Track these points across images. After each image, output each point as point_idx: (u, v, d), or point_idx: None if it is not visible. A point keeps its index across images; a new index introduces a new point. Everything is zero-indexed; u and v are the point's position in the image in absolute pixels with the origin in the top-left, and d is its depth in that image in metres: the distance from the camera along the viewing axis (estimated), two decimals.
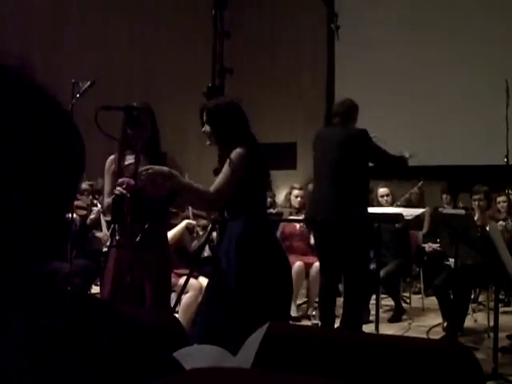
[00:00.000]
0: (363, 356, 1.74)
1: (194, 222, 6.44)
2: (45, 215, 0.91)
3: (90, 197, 7.00)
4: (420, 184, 7.99)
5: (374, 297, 5.55)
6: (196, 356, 1.26)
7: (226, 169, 3.49)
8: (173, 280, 5.82)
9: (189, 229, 6.36)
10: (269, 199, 7.87)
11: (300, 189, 7.63)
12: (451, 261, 5.69)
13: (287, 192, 7.90)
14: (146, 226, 3.64)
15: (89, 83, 5.46)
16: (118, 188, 3.87)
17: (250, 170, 3.50)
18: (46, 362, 0.84)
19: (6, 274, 0.88)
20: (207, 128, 3.62)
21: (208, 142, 3.65)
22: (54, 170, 0.91)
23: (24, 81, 0.92)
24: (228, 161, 3.49)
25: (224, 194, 3.49)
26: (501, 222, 6.45)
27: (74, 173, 0.96)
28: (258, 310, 3.40)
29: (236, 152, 3.49)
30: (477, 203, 6.76)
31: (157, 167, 3.48)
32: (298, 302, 7.01)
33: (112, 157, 4.16)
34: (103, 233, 6.72)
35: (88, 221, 6.58)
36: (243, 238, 3.51)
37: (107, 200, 4.13)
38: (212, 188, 3.49)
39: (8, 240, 0.87)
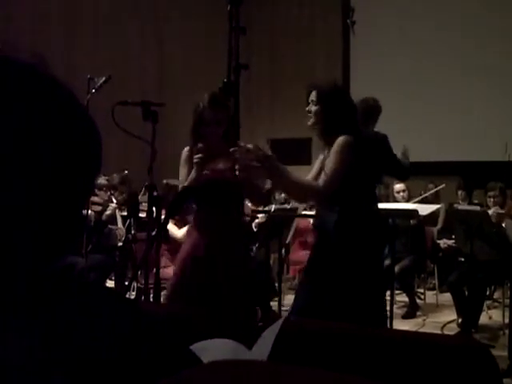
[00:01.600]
0: (378, 351, 1.74)
1: None
2: (60, 211, 0.91)
3: (108, 192, 7.02)
4: (441, 187, 7.94)
5: (388, 293, 5.54)
6: (212, 349, 1.28)
7: (332, 160, 3.37)
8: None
9: None
10: (283, 195, 7.87)
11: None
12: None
13: None
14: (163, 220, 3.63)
15: (104, 79, 5.47)
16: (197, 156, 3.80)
17: (356, 160, 3.40)
18: (59, 356, 0.85)
19: (20, 270, 0.88)
20: (313, 108, 3.54)
21: (310, 122, 3.56)
22: (70, 166, 0.91)
23: (42, 77, 0.93)
24: (334, 150, 3.38)
25: (334, 186, 3.36)
26: None
27: (91, 169, 0.96)
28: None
29: (342, 140, 3.38)
30: (492, 200, 6.73)
31: (254, 148, 3.22)
32: None
33: (187, 148, 4.07)
34: (119, 227, 6.76)
35: (104, 217, 6.61)
36: (339, 228, 3.45)
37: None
38: (321, 181, 3.38)
39: (22, 236, 0.87)
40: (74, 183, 0.92)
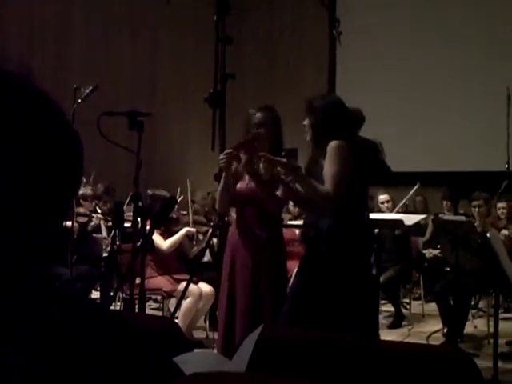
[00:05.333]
0: (362, 361, 1.74)
1: (193, 230, 6.44)
2: (42, 222, 0.91)
3: (93, 203, 6.99)
4: (416, 188, 7.97)
5: None
6: (195, 361, 1.27)
7: (331, 165, 3.42)
8: (171, 286, 5.85)
9: (189, 236, 6.37)
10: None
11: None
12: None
13: None
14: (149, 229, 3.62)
15: (91, 88, 5.47)
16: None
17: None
18: (44, 368, 0.84)
19: (3, 280, 0.88)
20: (307, 121, 3.60)
21: (308, 137, 3.63)
22: (51, 177, 0.91)
23: (26, 88, 0.92)
24: (328, 156, 3.43)
25: (343, 188, 3.41)
26: (504, 232, 6.44)
27: (73, 180, 0.96)
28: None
29: (333, 144, 3.44)
30: (476, 209, 6.77)
31: (277, 158, 3.44)
32: None
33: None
34: (104, 238, 6.73)
35: (89, 227, 6.58)
36: (332, 235, 3.48)
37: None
38: (329, 187, 3.41)
39: (2, 247, 0.87)
40: (56, 194, 0.92)
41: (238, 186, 3.95)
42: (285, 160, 3.46)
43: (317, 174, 3.56)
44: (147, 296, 6.24)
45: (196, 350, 5.14)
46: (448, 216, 7.39)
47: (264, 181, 3.75)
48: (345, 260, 3.48)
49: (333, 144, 3.45)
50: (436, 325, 6.45)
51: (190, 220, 6.64)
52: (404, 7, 10.42)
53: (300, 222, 7.23)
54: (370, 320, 3.57)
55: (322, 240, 3.56)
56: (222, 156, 3.73)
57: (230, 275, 3.87)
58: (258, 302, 3.78)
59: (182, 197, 7.67)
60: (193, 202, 8.28)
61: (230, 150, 3.72)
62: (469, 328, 6.25)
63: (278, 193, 3.77)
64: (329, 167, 3.44)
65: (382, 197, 7.34)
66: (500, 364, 4.65)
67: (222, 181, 3.86)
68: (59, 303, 0.95)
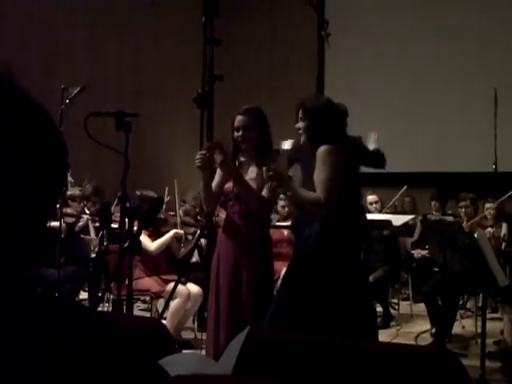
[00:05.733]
0: (349, 362, 1.74)
1: (181, 232, 6.43)
2: (25, 223, 0.90)
3: (81, 204, 6.96)
4: (403, 189, 8.01)
5: None
6: (180, 363, 1.27)
7: (321, 171, 3.44)
8: (159, 287, 5.84)
9: (177, 238, 6.35)
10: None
11: (285, 198, 7.62)
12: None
13: None
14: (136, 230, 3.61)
15: (78, 89, 5.46)
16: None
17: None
18: (26, 370, 0.84)
19: None
20: (301, 124, 3.60)
21: (302, 139, 3.64)
22: (35, 178, 0.90)
23: (7, 88, 0.91)
24: (318, 162, 3.45)
25: (334, 194, 3.43)
26: (489, 229, 6.48)
27: (56, 181, 0.95)
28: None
29: (322, 150, 3.46)
30: (463, 210, 6.80)
31: (278, 170, 3.52)
32: None
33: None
34: (92, 238, 6.71)
35: (76, 228, 6.55)
36: (321, 237, 3.49)
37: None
38: (320, 194, 3.44)
39: None
40: (38, 195, 0.91)
41: (226, 185, 3.96)
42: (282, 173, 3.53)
43: (303, 159, 3.60)
44: (135, 297, 6.23)
45: (184, 351, 5.15)
46: (436, 216, 7.41)
47: (241, 182, 3.79)
48: (332, 262, 3.48)
49: (322, 149, 3.46)
50: (424, 325, 6.47)
51: (178, 221, 6.63)
52: (392, 8, 10.45)
53: (288, 223, 7.25)
54: (360, 322, 3.56)
55: (310, 241, 3.56)
56: (197, 157, 3.75)
57: (217, 275, 3.88)
58: (238, 302, 3.79)
59: (168, 197, 7.65)
60: (184, 201, 8.27)
61: (204, 151, 3.74)
62: (457, 328, 6.28)
63: (264, 193, 3.78)
64: (318, 173, 3.46)
65: (371, 197, 7.37)
66: (487, 363, 4.67)
67: (201, 182, 3.88)
68: (43, 305, 0.94)
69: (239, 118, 3.89)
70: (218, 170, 4.00)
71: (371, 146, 5.32)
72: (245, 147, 3.89)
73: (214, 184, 3.97)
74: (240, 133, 3.87)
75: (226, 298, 3.81)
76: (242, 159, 3.98)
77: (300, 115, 3.64)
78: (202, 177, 3.85)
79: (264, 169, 3.57)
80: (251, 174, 3.88)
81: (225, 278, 3.85)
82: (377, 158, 5.42)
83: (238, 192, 3.86)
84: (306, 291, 3.50)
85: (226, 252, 3.89)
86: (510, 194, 6.60)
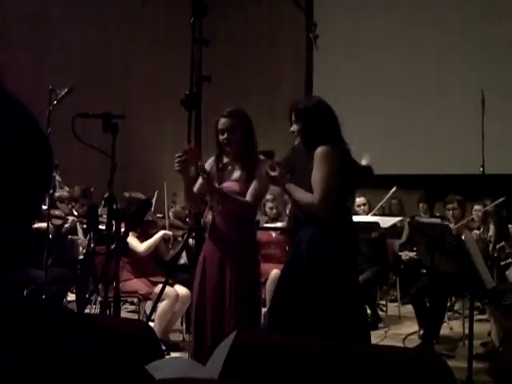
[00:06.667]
0: (337, 364, 1.74)
1: (170, 233, 6.42)
2: (8, 224, 0.90)
3: (70, 205, 6.94)
4: (392, 191, 8.02)
5: None
6: (167, 367, 1.26)
7: (317, 172, 3.44)
8: (147, 289, 5.82)
9: (165, 239, 6.34)
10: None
11: (273, 200, 7.62)
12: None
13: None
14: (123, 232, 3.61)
15: (66, 90, 5.44)
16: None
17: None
18: (11, 370, 0.83)
19: None
20: (295, 127, 3.60)
21: (296, 142, 3.63)
22: (18, 180, 0.90)
23: None
24: (315, 163, 3.45)
25: (331, 195, 3.43)
26: (475, 231, 6.51)
27: (41, 183, 0.95)
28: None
29: (319, 151, 3.45)
30: (451, 212, 6.82)
31: (282, 173, 3.52)
32: None
33: (211, 159, 4.06)
34: (81, 239, 6.69)
35: (63, 229, 6.53)
36: (314, 241, 3.49)
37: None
38: (317, 195, 3.44)
39: None
40: (22, 196, 0.91)
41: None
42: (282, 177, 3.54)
43: (300, 164, 3.59)
44: (123, 299, 6.21)
45: (172, 354, 5.13)
46: (424, 218, 7.43)
47: (222, 196, 3.82)
48: (325, 265, 3.48)
49: (319, 150, 3.45)
50: (412, 327, 6.48)
51: (167, 223, 6.62)
52: (379, 10, 10.48)
53: (276, 225, 7.26)
54: (354, 324, 3.56)
55: (303, 245, 3.56)
56: (175, 161, 3.77)
57: (202, 276, 3.88)
58: (222, 304, 3.80)
59: (155, 198, 7.62)
60: (174, 203, 8.25)
61: (180, 155, 3.76)
62: (444, 330, 6.30)
63: (248, 197, 3.80)
64: (315, 174, 3.45)
65: (359, 200, 7.38)
66: (475, 364, 4.69)
67: (183, 183, 3.89)
68: (29, 307, 0.93)
69: (223, 120, 3.89)
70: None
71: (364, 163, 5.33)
72: (229, 149, 3.89)
73: (197, 185, 3.98)
74: (225, 135, 3.87)
75: (212, 299, 3.81)
76: (225, 160, 3.99)
77: (293, 118, 3.63)
78: (183, 179, 3.86)
79: (268, 166, 3.56)
80: (235, 175, 3.89)
81: (210, 279, 3.85)
82: (366, 172, 5.44)
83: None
84: (300, 295, 3.50)
85: (210, 253, 3.89)
86: (502, 199, 6.60)
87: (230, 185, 3.88)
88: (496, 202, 6.65)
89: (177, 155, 3.75)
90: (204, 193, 4.00)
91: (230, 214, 3.86)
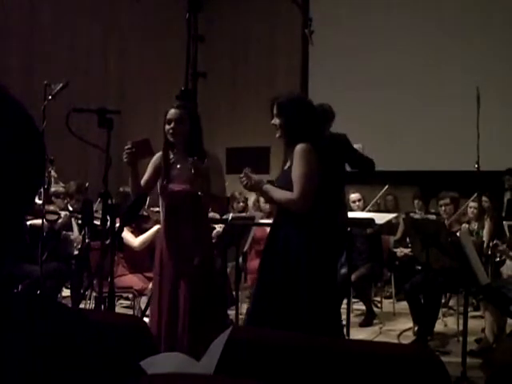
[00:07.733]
0: (329, 361, 1.74)
1: None
2: (1, 219, 0.89)
3: (65, 200, 6.93)
4: (385, 188, 8.03)
5: (345, 301, 5.57)
6: (162, 363, 1.26)
7: (297, 169, 3.48)
8: (142, 284, 5.82)
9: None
10: (241, 204, 7.88)
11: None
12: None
13: (255, 199, 7.94)
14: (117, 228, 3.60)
15: (61, 85, 5.42)
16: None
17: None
18: (5, 367, 0.83)
19: None
20: (276, 121, 3.62)
21: (278, 135, 3.67)
22: (10, 176, 0.89)
23: None
24: (295, 160, 3.49)
25: (308, 192, 3.48)
26: (464, 225, 6.54)
27: (32, 179, 0.94)
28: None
29: (299, 148, 3.49)
30: (443, 208, 6.84)
31: (256, 179, 3.61)
32: None
33: (160, 153, 4.09)
34: (75, 235, 6.68)
35: (57, 225, 6.51)
36: (290, 239, 3.53)
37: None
38: (294, 191, 3.49)
39: None
40: (14, 193, 0.90)
41: (170, 185, 4.02)
42: (259, 180, 3.62)
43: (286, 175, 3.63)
44: (118, 294, 6.20)
45: None
46: (419, 215, 7.45)
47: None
48: (301, 260, 3.52)
49: (298, 147, 3.50)
50: (407, 323, 6.49)
51: (161, 218, 6.60)
52: (376, 5, 10.49)
53: (271, 221, 7.25)
54: (329, 319, 3.61)
55: (279, 242, 3.61)
56: (124, 153, 3.85)
57: (160, 266, 4.03)
58: (176, 300, 3.91)
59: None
60: None
61: (130, 146, 3.84)
62: (439, 326, 6.31)
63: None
64: (295, 171, 3.50)
65: (354, 196, 7.39)
66: (469, 361, 4.71)
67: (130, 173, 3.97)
68: (23, 302, 0.93)
69: (172, 111, 3.93)
70: (149, 167, 4.11)
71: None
72: (175, 140, 3.94)
73: (143, 180, 4.07)
74: (172, 125, 3.90)
75: (169, 296, 3.93)
76: (171, 156, 4.03)
77: (275, 111, 3.67)
78: (131, 172, 3.94)
79: (241, 177, 3.65)
80: (185, 176, 3.91)
81: (168, 268, 3.98)
82: (366, 163, 5.46)
83: (182, 190, 3.97)
84: (275, 288, 3.56)
85: (167, 251, 4.02)
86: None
87: (182, 187, 3.95)
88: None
89: (126, 147, 3.83)
90: (148, 188, 4.08)
91: (185, 210, 3.97)
